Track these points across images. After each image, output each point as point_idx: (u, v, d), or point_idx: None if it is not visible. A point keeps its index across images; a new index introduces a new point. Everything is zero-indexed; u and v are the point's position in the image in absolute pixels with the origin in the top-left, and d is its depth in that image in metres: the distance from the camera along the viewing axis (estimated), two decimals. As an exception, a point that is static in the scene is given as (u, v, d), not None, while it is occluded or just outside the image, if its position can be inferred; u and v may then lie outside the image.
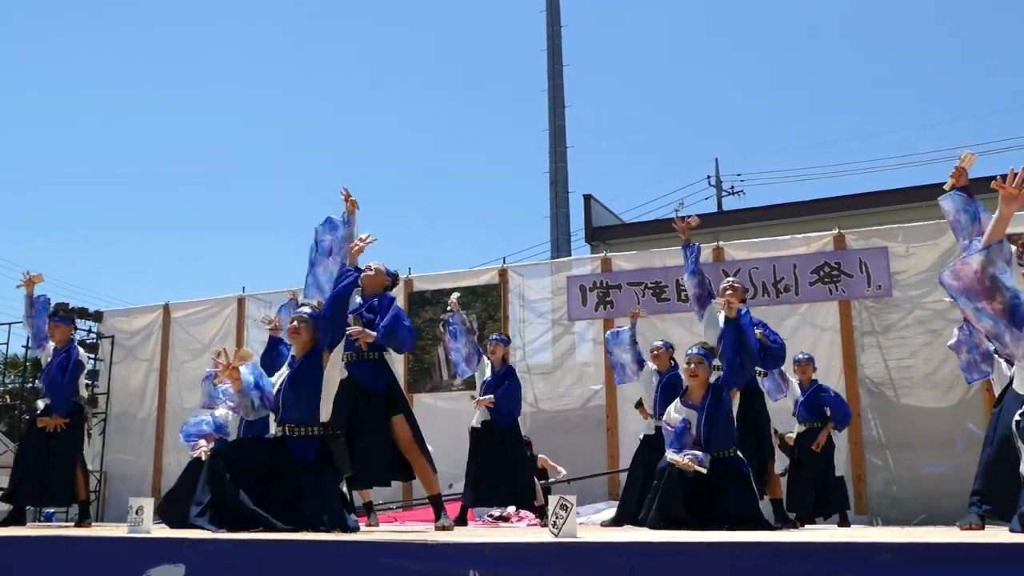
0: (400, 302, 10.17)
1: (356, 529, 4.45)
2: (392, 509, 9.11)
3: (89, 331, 11.86)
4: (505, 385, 7.04)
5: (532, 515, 7.36)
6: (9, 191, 50.98)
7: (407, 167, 59.48)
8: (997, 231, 3.34)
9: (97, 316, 12.04)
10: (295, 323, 4.79)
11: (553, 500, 3.15)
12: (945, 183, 4.71)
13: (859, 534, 4.10)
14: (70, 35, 54.96)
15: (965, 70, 57.28)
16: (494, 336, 7.36)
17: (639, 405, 7.53)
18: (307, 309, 4.89)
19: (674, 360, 7.01)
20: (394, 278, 5.62)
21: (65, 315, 8.03)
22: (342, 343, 5.12)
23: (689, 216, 6.47)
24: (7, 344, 12.69)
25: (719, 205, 25.27)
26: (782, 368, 6.94)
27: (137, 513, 4.08)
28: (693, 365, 5.44)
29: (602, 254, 10.32)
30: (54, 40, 53.97)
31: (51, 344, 6.86)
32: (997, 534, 3.51)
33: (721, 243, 9.43)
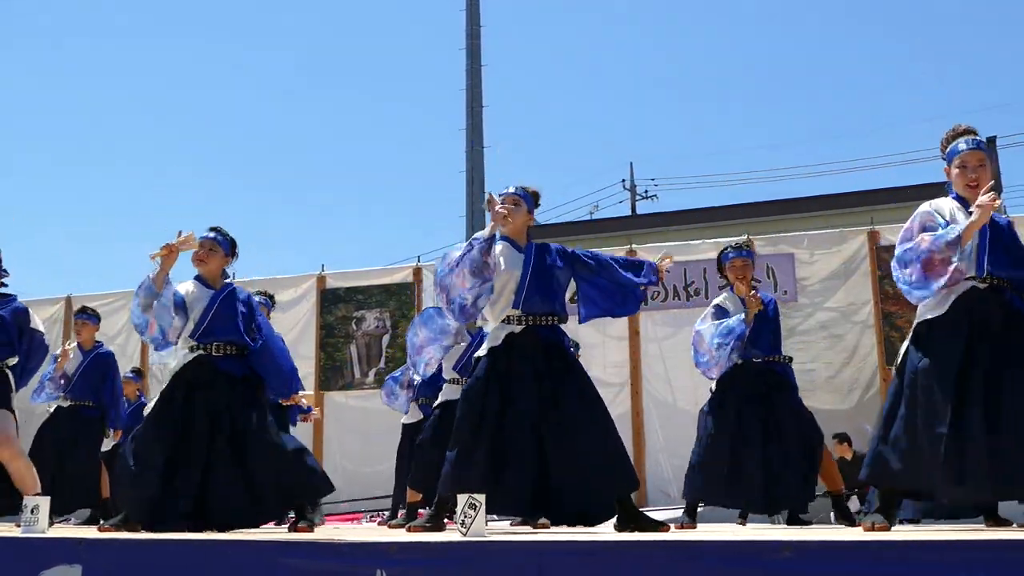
0: (312, 300, 10.17)
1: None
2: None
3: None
4: None
5: None
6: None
7: (321, 163, 58.82)
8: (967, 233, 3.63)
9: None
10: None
11: (462, 499, 3.14)
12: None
13: (760, 532, 4.19)
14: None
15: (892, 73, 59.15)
16: None
17: None
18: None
19: None
20: None
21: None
22: None
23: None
24: None
25: (633, 209, 25.58)
26: None
27: (32, 512, 3.95)
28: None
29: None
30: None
31: None
32: (894, 532, 3.62)
33: (634, 246, 9.54)
